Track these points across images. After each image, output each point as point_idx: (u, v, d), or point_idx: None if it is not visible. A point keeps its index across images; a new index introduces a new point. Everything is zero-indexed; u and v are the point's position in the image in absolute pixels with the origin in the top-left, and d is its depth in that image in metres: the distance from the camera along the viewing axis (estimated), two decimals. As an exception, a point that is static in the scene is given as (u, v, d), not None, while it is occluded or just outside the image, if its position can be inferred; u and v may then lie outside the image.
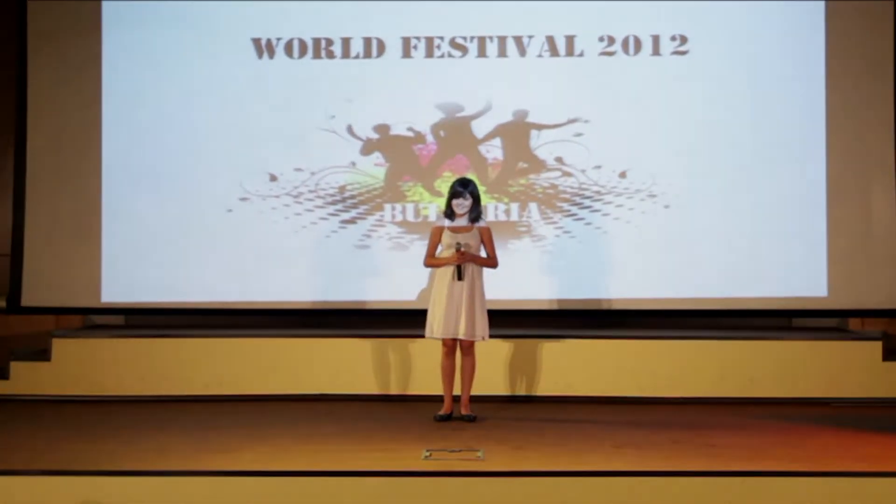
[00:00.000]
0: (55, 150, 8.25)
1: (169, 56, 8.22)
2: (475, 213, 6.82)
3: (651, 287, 8.00)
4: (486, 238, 6.83)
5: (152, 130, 8.21)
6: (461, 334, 6.71)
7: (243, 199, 8.17)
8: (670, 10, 8.10)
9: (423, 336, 6.89)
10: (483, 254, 6.82)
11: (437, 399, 6.94)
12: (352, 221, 8.15)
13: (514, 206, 8.12)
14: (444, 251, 6.81)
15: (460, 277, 6.71)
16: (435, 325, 6.76)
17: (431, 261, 6.89)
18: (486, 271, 6.86)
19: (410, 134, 8.17)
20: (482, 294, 6.80)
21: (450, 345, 6.82)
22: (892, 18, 7.98)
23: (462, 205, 6.77)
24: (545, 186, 8.11)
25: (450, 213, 6.84)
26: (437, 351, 6.90)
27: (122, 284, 8.16)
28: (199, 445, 6.02)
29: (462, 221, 6.81)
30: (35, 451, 5.90)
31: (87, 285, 8.17)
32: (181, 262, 8.14)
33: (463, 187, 6.79)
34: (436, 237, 6.86)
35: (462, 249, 6.70)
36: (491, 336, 7.17)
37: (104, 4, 8.24)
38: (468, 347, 6.82)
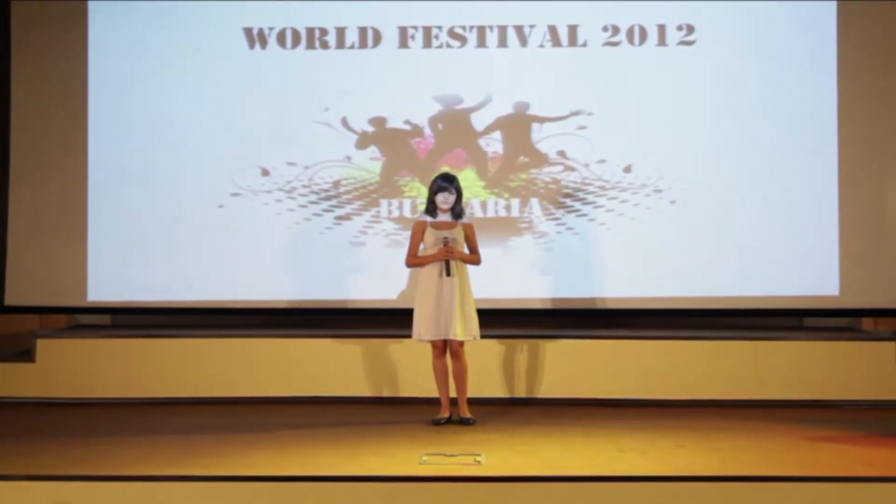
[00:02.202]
0: (39, 144, 8.25)
1: (157, 47, 8.22)
2: (458, 209, 6.83)
3: (656, 285, 7.99)
4: (471, 234, 6.85)
5: (140, 124, 8.21)
6: (453, 335, 6.70)
7: (234, 195, 8.17)
8: (676, -2, 8.12)
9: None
10: (466, 251, 6.83)
11: (435, 401, 6.95)
12: (346, 218, 8.15)
13: (515, 202, 8.12)
14: (428, 248, 6.80)
15: (448, 273, 6.70)
16: (423, 328, 6.74)
17: (415, 260, 6.85)
18: (473, 269, 6.86)
19: (407, 127, 8.18)
20: (470, 292, 6.79)
21: (440, 346, 6.81)
22: (907, 7, 8.01)
23: (447, 200, 6.77)
24: (547, 181, 8.11)
25: (432, 210, 6.83)
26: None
27: (108, 283, 8.16)
28: (188, 449, 6.03)
29: (445, 217, 6.81)
30: (18, 455, 5.90)
31: (73, 284, 8.17)
32: (170, 259, 8.14)
33: (448, 182, 6.79)
34: (418, 234, 6.83)
35: (449, 244, 6.70)
36: (491, 336, 7.20)
37: (90, -5, 8.28)
38: (458, 349, 6.79)
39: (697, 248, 8.01)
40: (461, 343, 6.78)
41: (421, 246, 6.84)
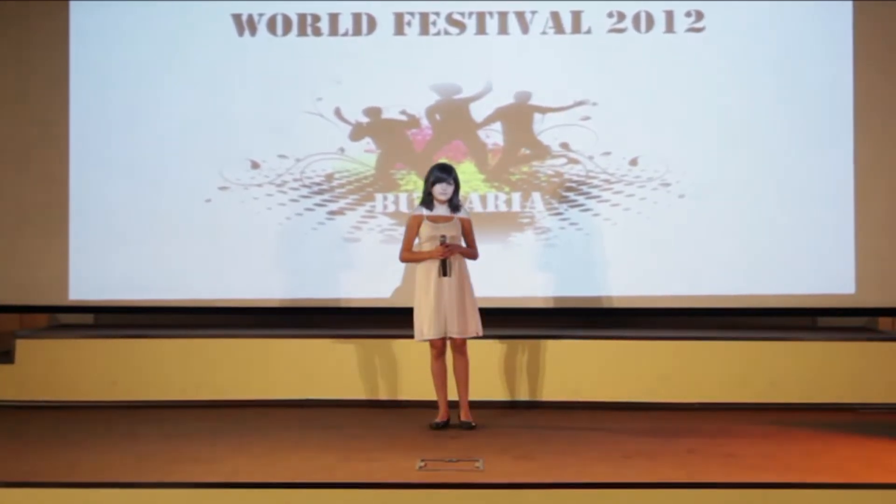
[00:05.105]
0: (19, 136, 8.25)
1: (142, 34, 8.20)
2: (455, 201, 6.80)
3: (664, 283, 7.99)
4: (469, 229, 6.83)
5: (124, 115, 8.20)
6: (454, 332, 6.68)
7: (223, 189, 8.15)
8: (685, -16, 8.10)
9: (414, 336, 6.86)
10: (463, 244, 6.81)
11: (432, 405, 6.93)
12: (340, 212, 8.14)
13: (516, 196, 8.10)
14: (424, 244, 6.78)
15: (446, 273, 6.67)
16: (425, 327, 6.72)
17: (409, 255, 6.84)
18: (472, 265, 6.85)
19: (404, 118, 8.16)
20: (471, 287, 6.77)
21: (439, 346, 6.79)
22: (926, -7, 7.99)
23: (446, 191, 6.74)
24: (549, 174, 8.10)
25: (428, 202, 6.80)
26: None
27: (91, 281, 8.16)
28: (176, 454, 6.01)
29: (442, 210, 6.79)
30: (-4, 461, 5.88)
31: (54, 282, 8.17)
32: (155, 256, 8.13)
33: (446, 173, 6.77)
34: (414, 228, 6.81)
35: (447, 242, 6.67)
36: (490, 336, 7.17)
37: (71, -21, 8.25)
38: (461, 346, 6.78)
39: (707, 244, 8.00)
40: (464, 340, 6.75)
41: (416, 240, 6.80)
